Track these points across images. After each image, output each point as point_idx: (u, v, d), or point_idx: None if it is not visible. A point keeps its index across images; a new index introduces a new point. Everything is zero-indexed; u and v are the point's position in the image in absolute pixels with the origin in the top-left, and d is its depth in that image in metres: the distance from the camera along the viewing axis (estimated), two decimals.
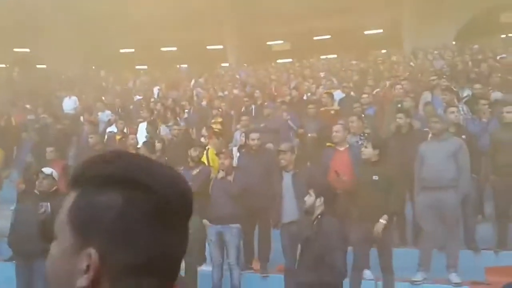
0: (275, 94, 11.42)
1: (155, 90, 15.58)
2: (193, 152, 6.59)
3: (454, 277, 5.48)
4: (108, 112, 11.64)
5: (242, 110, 10.16)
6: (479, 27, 17.50)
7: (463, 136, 6.09)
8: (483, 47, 15.11)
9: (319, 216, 4.18)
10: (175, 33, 21.18)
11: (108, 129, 10.15)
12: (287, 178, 5.76)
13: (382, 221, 5.26)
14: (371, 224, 5.26)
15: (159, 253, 0.76)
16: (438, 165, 5.50)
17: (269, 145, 7.16)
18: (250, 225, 6.42)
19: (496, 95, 8.12)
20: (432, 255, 5.63)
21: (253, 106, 10.16)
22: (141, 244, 0.74)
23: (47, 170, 5.52)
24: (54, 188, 5.36)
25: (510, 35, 16.63)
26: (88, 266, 0.73)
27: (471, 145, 6.01)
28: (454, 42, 17.60)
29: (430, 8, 17.77)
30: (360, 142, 6.44)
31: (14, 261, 5.90)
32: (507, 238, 6.13)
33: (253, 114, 9.58)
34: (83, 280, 0.73)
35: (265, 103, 9.98)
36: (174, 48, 23.68)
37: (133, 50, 23.06)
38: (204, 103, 12.17)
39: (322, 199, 4.20)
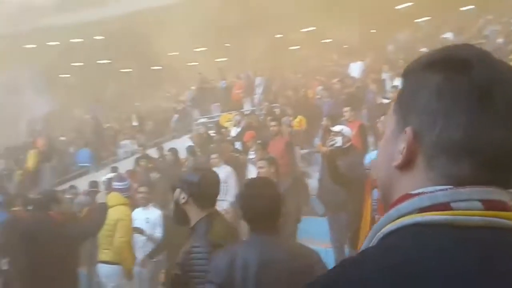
0: None
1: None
2: None
3: None
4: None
5: None
6: None
7: None
8: None
9: None
10: None
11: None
12: None
13: None
14: None
15: (475, 134, 0.72)
16: None
17: None
18: None
19: None
20: None
21: None
22: (456, 123, 0.73)
23: (336, 127, 6.00)
24: (349, 144, 5.81)
25: None
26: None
27: None
28: None
29: None
30: None
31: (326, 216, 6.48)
32: None
33: None
34: (398, 159, 0.76)
35: None
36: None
37: (411, 3, 21.86)
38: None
39: None
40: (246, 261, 2.35)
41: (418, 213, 0.72)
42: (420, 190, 0.73)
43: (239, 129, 10.75)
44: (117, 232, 5.14)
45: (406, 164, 0.76)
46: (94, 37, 24.24)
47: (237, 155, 9.07)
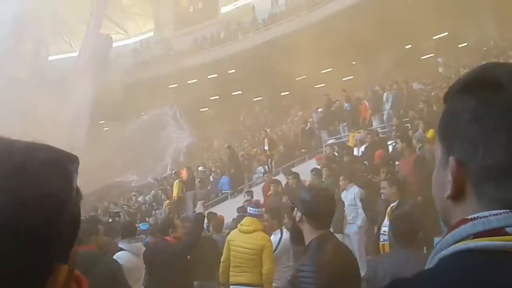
0: None
1: None
2: None
3: None
4: None
5: None
6: None
7: None
8: None
9: None
10: None
11: None
12: None
13: None
14: None
15: None
16: None
17: None
18: None
19: None
20: None
21: None
22: (497, 146, 0.71)
23: None
24: None
25: None
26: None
27: None
28: None
29: None
30: None
31: None
32: None
33: None
34: (448, 190, 0.75)
35: None
36: None
37: None
38: None
39: None
40: (387, 267, 3.21)
41: (472, 238, 0.69)
42: (474, 215, 0.70)
43: (362, 149, 10.38)
44: (267, 258, 5.25)
45: (457, 194, 0.74)
46: (228, 71, 25.91)
47: (368, 175, 8.74)
